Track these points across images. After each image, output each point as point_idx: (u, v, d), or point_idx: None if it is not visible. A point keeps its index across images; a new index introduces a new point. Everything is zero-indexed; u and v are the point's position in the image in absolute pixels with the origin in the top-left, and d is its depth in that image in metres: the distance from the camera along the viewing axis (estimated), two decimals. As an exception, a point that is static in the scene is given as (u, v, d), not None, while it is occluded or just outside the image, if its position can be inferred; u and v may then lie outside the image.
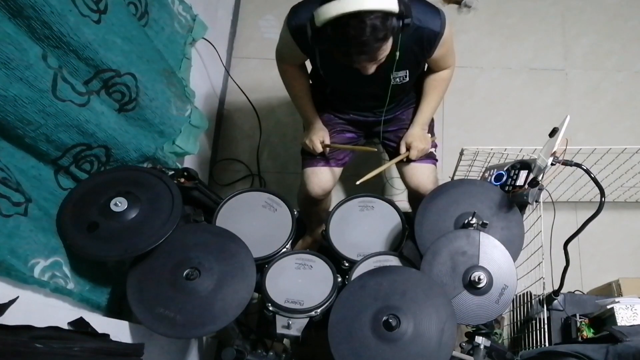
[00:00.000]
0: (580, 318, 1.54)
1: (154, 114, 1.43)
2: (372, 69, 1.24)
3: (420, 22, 1.31)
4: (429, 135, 1.67)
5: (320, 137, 1.60)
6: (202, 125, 1.75)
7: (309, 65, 1.63)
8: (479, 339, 1.27)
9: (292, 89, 1.62)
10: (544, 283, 1.52)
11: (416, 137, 1.61)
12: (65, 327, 1.01)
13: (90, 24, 1.15)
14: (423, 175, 1.65)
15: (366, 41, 1.10)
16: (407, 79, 1.47)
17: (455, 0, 2.59)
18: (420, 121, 1.62)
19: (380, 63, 1.25)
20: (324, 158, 1.67)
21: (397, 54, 1.30)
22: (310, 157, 1.68)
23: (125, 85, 1.30)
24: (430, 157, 1.68)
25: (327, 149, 1.64)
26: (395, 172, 2.21)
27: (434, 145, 1.71)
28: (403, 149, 1.63)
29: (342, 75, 1.48)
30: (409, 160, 1.64)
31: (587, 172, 1.23)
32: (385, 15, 1.09)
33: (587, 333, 1.49)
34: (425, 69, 1.60)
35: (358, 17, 1.07)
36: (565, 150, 1.24)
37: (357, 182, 1.46)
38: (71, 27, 1.09)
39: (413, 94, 1.67)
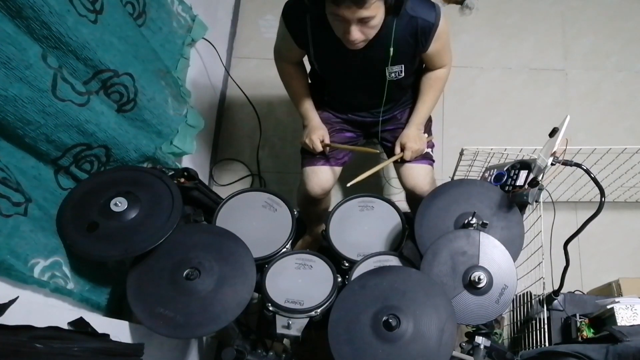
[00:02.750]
0: (580, 318, 1.53)
1: (152, 114, 1.43)
2: (356, 34, 1.22)
3: (414, 12, 1.33)
4: (425, 135, 1.66)
5: (320, 136, 1.60)
6: (198, 125, 1.75)
7: (307, 66, 1.63)
8: (479, 339, 1.27)
9: (291, 88, 1.63)
10: (544, 283, 1.52)
11: (411, 137, 1.60)
12: (65, 327, 1.00)
13: (88, 24, 1.15)
14: (419, 176, 1.64)
15: None
16: (403, 74, 1.47)
17: (456, 1, 2.59)
18: (415, 121, 1.62)
19: (374, 55, 1.28)
20: (324, 157, 1.66)
21: (392, 50, 1.33)
22: (310, 156, 1.67)
23: (123, 85, 1.30)
24: (426, 158, 1.66)
25: (327, 148, 1.63)
26: (393, 173, 2.21)
27: (431, 146, 1.70)
28: (398, 150, 1.62)
29: (336, 68, 1.49)
30: (404, 161, 1.63)
31: (587, 172, 1.23)
32: None
33: (587, 333, 1.49)
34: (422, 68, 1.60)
35: None
36: (565, 150, 1.24)
37: (348, 185, 1.45)
38: (69, 27, 1.09)
39: (410, 94, 1.67)
